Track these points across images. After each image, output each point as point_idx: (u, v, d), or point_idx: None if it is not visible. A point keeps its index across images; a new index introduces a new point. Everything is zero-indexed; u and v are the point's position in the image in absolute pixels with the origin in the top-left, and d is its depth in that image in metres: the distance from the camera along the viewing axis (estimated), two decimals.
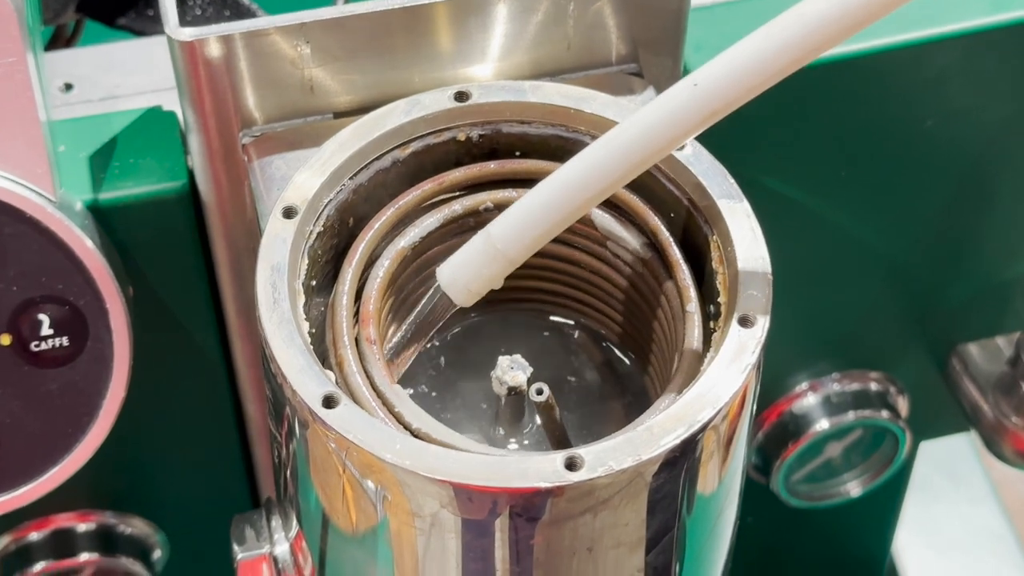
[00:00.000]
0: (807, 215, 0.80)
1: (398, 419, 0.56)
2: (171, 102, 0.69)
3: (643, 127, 0.54)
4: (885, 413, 0.88)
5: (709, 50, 0.71)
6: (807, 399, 0.87)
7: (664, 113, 0.54)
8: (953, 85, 0.75)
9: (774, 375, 0.87)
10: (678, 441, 0.53)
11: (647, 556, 0.58)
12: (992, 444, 0.89)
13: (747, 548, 0.99)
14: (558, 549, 0.55)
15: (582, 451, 0.53)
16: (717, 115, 0.54)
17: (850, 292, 0.85)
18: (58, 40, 0.86)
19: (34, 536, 0.81)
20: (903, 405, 0.90)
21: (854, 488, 0.93)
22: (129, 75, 0.79)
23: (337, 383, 0.57)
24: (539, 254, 0.63)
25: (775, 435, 0.88)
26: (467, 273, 0.58)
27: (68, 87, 0.78)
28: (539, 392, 0.57)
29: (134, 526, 0.83)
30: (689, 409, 0.54)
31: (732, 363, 0.55)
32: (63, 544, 0.81)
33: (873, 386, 0.88)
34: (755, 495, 0.92)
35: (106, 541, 0.82)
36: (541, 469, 0.53)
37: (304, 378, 0.55)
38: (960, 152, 0.79)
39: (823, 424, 0.87)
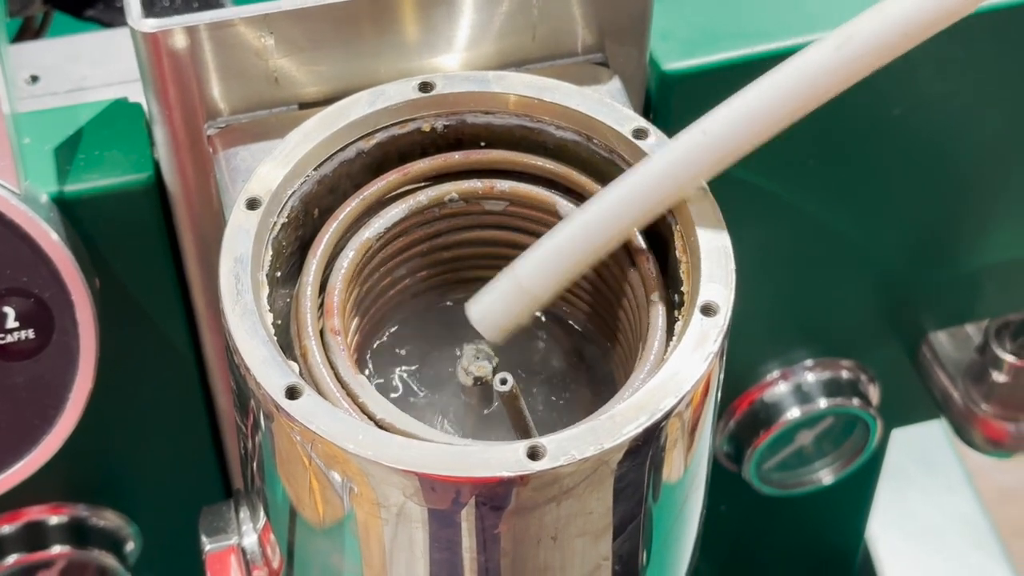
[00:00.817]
0: (777, 203, 0.80)
1: (362, 409, 0.56)
2: (138, 93, 0.69)
3: (658, 173, 0.57)
4: (856, 401, 0.88)
5: (675, 40, 0.71)
6: (778, 387, 0.88)
7: (677, 159, 0.57)
8: (921, 73, 0.75)
9: (745, 363, 0.87)
10: (640, 430, 0.54)
11: (613, 544, 0.58)
12: (962, 431, 0.89)
13: (720, 536, 1.00)
14: (523, 538, 0.55)
15: (544, 440, 0.53)
16: (727, 160, 0.57)
17: (821, 280, 0.85)
18: (26, 32, 0.86)
19: (5, 529, 0.81)
20: (874, 393, 0.90)
21: (826, 476, 0.93)
22: (96, 66, 0.78)
23: (301, 374, 0.57)
24: (503, 244, 0.64)
25: (746, 423, 0.88)
26: (496, 312, 0.59)
27: (34, 79, 0.78)
28: (503, 382, 0.57)
29: (106, 518, 0.83)
30: (651, 397, 0.54)
31: (694, 352, 0.56)
32: (35, 537, 0.81)
33: (844, 374, 0.88)
34: (727, 483, 0.92)
35: (78, 534, 0.82)
36: (504, 458, 0.53)
37: (267, 369, 0.55)
38: (929, 140, 0.79)
39: (794, 412, 0.87)
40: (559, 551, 0.57)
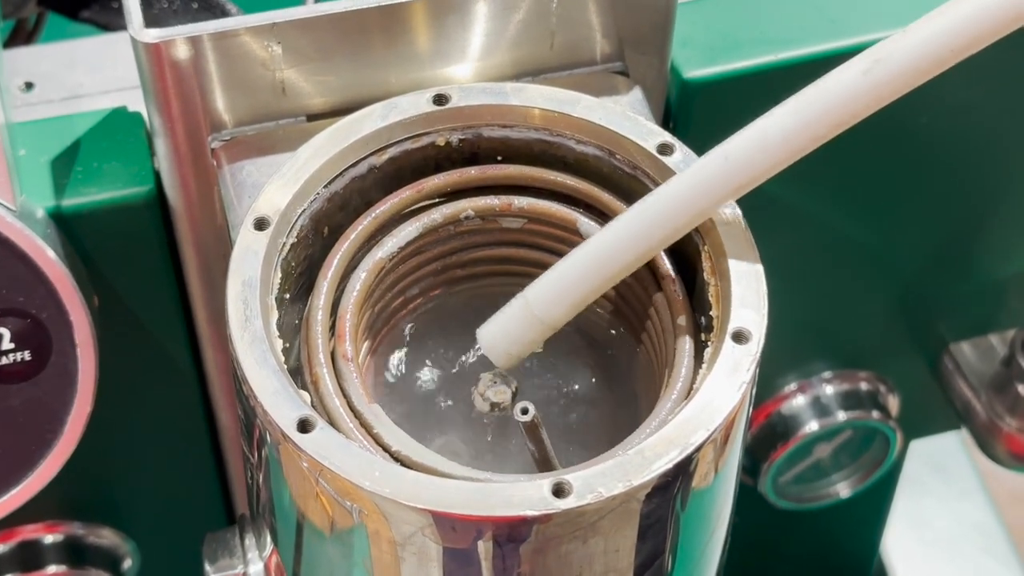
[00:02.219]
0: (795, 213, 0.77)
1: (377, 440, 0.54)
2: (137, 101, 0.66)
3: (677, 199, 0.55)
4: (875, 414, 0.86)
5: (696, 47, 0.69)
6: (796, 400, 0.85)
7: (697, 185, 0.54)
8: (946, 81, 0.72)
9: (763, 376, 0.83)
10: (671, 465, 0.51)
11: None
12: (985, 445, 0.87)
13: (734, 549, 0.98)
14: None
15: (570, 476, 0.51)
16: (748, 186, 0.55)
17: (840, 291, 0.82)
18: (18, 35, 0.83)
19: (1, 548, 0.78)
20: (893, 404, 0.88)
21: (843, 489, 0.91)
22: (93, 73, 0.76)
23: (313, 404, 0.54)
24: (521, 262, 0.61)
25: (763, 437, 0.86)
26: (507, 339, 0.57)
27: (29, 86, 0.75)
28: (524, 411, 0.54)
29: (103, 536, 0.81)
30: (682, 431, 0.52)
31: (726, 381, 0.53)
32: (30, 556, 0.79)
33: (863, 386, 0.86)
34: (743, 496, 0.90)
35: (74, 552, 0.80)
36: (527, 496, 0.50)
37: (278, 401, 0.52)
38: (954, 149, 0.77)
39: (812, 425, 0.85)
40: None
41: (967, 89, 0.74)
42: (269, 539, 0.63)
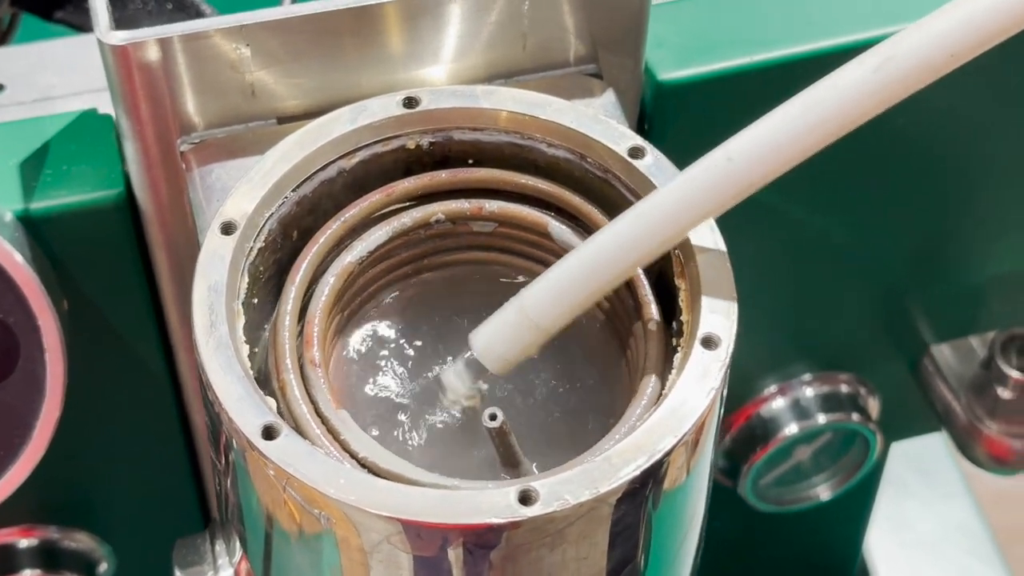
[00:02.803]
0: (774, 214, 0.77)
1: (344, 447, 0.53)
2: (108, 104, 0.65)
3: (676, 201, 0.53)
4: (855, 416, 0.85)
5: (671, 48, 0.68)
6: (776, 402, 0.85)
7: (698, 187, 0.53)
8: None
9: (742, 378, 0.84)
10: (638, 472, 0.51)
11: None
12: (965, 447, 0.87)
13: (714, 552, 0.97)
14: None
15: (536, 484, 0.50)
16: (751, 189, 0.53)
17: (820, 293, 0.82)
18: None
19: None
20: (874, 407, 0.88)
21: (824, 492, 0.90)
22: (65, 74, 0.75)
23: (279, 410, 0.54)
24: (492, 266, 0.61)
25: (743, 439, 0.85)
26: (502, 343, 0.56)
27: None
28: (492, 417, 0.54)
29: (78, 540, 0.80)
30: (649, 437, 0.51)
31: (695, 387, 0.53)
32: (5, 560, 0.79)
33: (843, 388, 0.85)
34: (723, 499, 0.89)
35: (50, 556, 0.79)
36: (494, 503, 0.50)
37: (242, 407, 0.52)
38: (932, 151, 0.76)
39: (792, 428, 0.85)
40: None
41: (946, 91, 0.73)
42: (239, 545, 0.62)
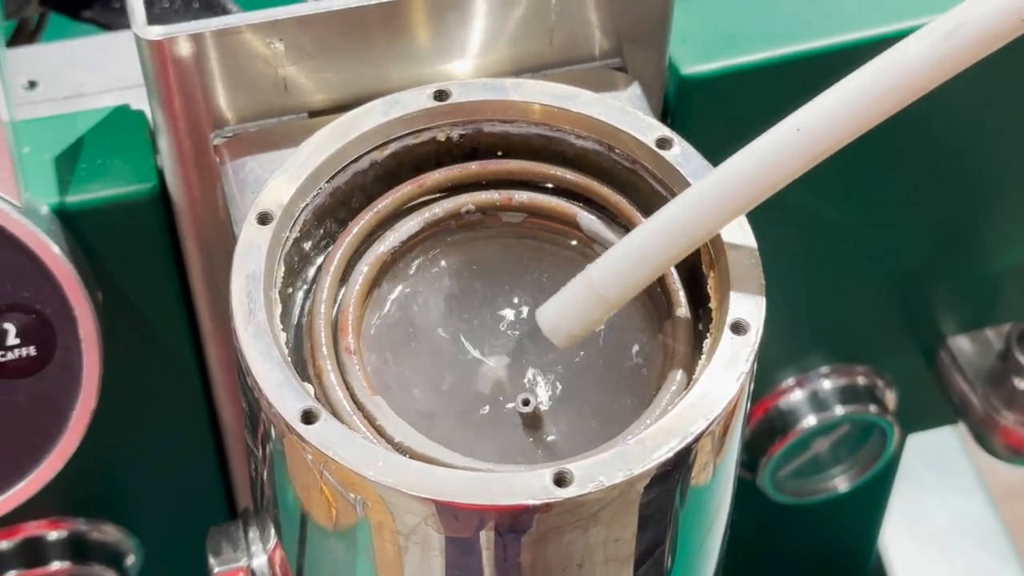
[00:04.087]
0: (792, 206, 0.77)
1: (380, 432, 0.54)
2: (139, 99, 0.67)
3: (745, 173, 0.53)
4: (873, 408, 0.86)
5: (694, 43, 0.69)
6: (794, 395, 0.86)
7: (767, 157, 0.53)
8: None
9: (760, 370, 0.84)
10: (671, 454, 0.52)
11: (639, 570, 0.56)
12: (982, 439, 0.87)
13: (732, 544, 0.98)
14: (547, 566, 0.53)
15: (571, 466, 0.51)
16: (818, 158, 0.53)
17: (837, 285, 0.83)
18: (20, 35, 0.84)
19: (3, 545, 0.79)
20: (891, 399, 0.88)
21: (842, 483, 0.91)
22: (95, 71, 0.76)
23: (316, 396, 0.55)
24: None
25: (762, 431, 0.86)
26: (570, 319, 0.56)
27: (32, 84, 0.76)
28: (525, 403, 0.55)
29: (106, 533, 0.81)
30: (681, 421, 0.52)
31: (725, 372, 0.54)
32: (34, 552, 0.79)
33: (860, 380, 0.86)
34: (741, 491, 0.90)
35: (78, 548, 0.80)
36: (529, 485, 0.51)
37: (282, 392, 0.53)
38: (948, 140, 0.77)
39: (810, 420, 0.86)
40: None
41: (963, 78, 0.74)
42: (273, 532, 0.63)
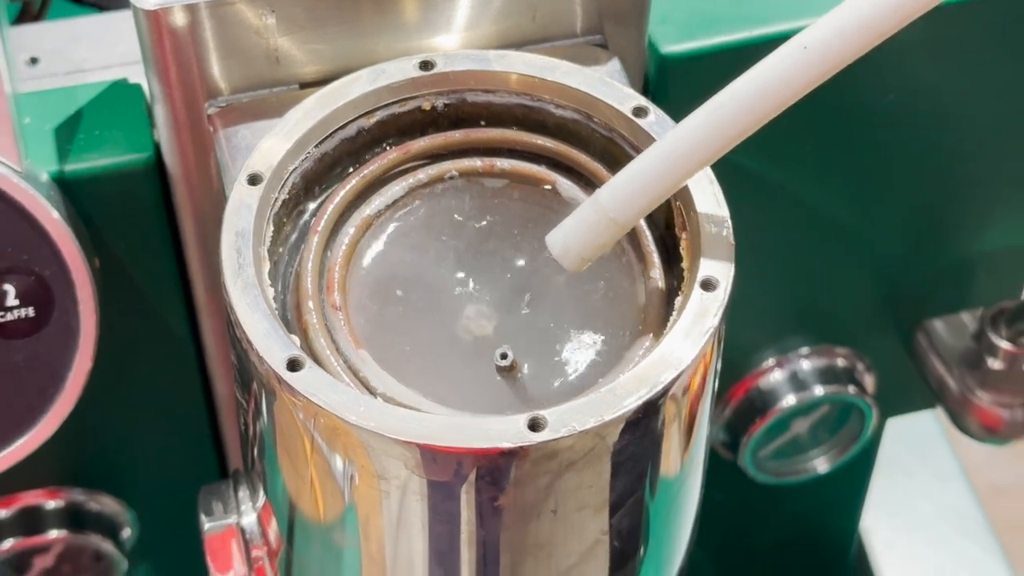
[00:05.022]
0: (772, 189, 0.80)
1: (364, 384, 0.56)
2: (137, 75, 0.69)
3: (751, 92, 0.54)
4: (851, 388, 0.88)
5: (673, 23, 0.72)
6: (774, 375, 0.88)
7: (773, 77, 0.54)
8: (912, 59, 0.75)
9: (741, 351, 0.87)
10: (640, 402, 0.54)
11: (612, 519, 0.58)
12: (958, 419, 0.89)
13: (716, 525, 1.00)
14: (522, 510, 0.56)
15: (545, 412, 0.53)
16: (825, 76, 0.53)
17: (816, 267, 0.85)
18: (25, 16, 0.86)
19: (2, 513, 0.81)
20: (870, 382, 0.90)
21: (821, 464, 0.93)
22: (95, 49, 0.78)
23: (302, 349, 0.57)
24: None
25: (742, 411, 0.88)
26: (580, 242, 0.58)
27: (34, 61, 0.78)
28: (503, 356, 0.57)
29: (103, 504, 0.83)
30: (651, 371, 0.55)
31: (694, 326, 0.56)
32: (31, 521, 0.81)
33: (840, 362, 0.88)
34: (724, 471, 0.92)
35: (75, 518, 0.82)
36: (504, 430, 0.53)
37: (269, 342, 0.55)
38: (923, 126, 0.79)
39: (790, 399, 0.88)
40: (559, 525, 0.57)
41: (936, 67, 0.76)
42: (262, 491, 0.65)
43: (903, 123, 0.79)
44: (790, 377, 0.88)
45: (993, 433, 0.89)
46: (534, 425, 0.53)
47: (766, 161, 0.79)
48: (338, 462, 0.56)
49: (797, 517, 1.03)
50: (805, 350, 0.88)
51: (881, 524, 1.15)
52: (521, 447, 0.53)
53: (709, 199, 0.59)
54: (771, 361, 0.88)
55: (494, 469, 0.54)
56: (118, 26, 0.79)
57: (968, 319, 0.88)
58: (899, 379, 0.92)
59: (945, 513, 1.17)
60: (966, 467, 1.24)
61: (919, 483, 1.19)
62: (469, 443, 0.53)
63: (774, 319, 0.87)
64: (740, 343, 0.86)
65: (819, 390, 0.88)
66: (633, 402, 0.54)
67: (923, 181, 0.82)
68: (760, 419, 0.88)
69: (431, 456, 0.53)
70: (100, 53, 0.78)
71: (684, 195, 0.59)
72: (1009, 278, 0.88)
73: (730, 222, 0.59)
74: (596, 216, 0.57)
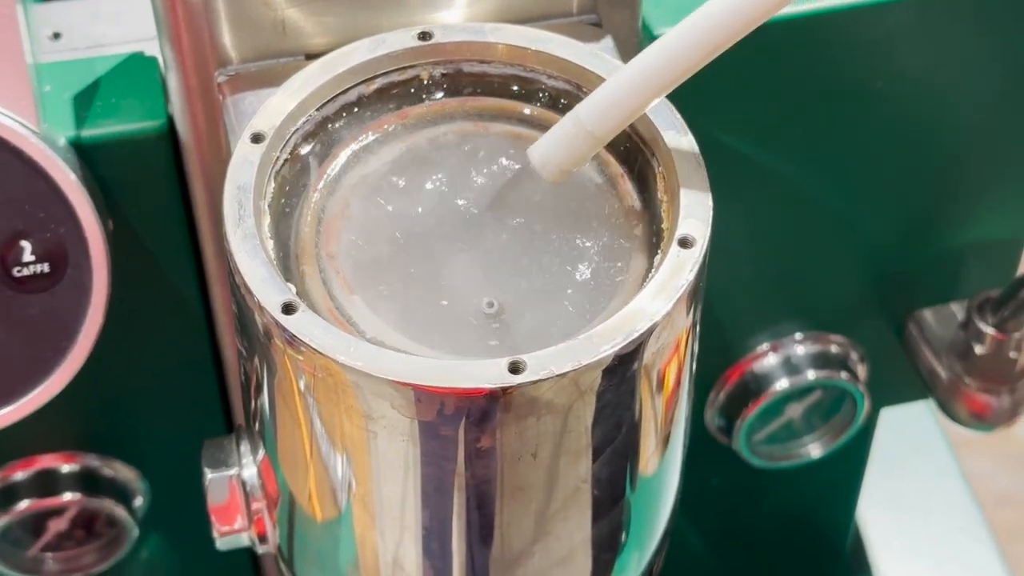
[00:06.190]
0: (765, 175, 0.82)
1: (355, 327, 0.59)
2: (153, 50, 0.72)
3: (724, 8, 0.57)
4: (844, 375, 0.90)
5: (667, 7, 0.75)
6: (768, 359, 0.90)
7: None
8: (902, 47, 0.78)
9: (735, 335, 0.90)
10: (615, 349, 0.56)
11: (592, 466, 0.61)
12: (947, 407, 0.92)
13: (712, 510, 1.02)
14: (503, 452, 0.58)
15: (525, 357, 0.56)
16: None
17: (809, 253, 0.87)
18: None
19: (19, 475, 0.84)
20: (862, 372, 0.93)
21: (815, 450, 0.95)
22: (115, 25, 0.82)
23: (299, 295, 0.60)
24: None
25: (736, 394, 0.90)
26: (559, 154, 0.61)
27: (56, 36, 0.82)
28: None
29: (117, 470, 0.86)
30: (627, 322, 0.57)
31: (671, 280, 0.58)
32: (47, 483, 0.84)
33: (833, 348, 0.91)
34: (719, 456, 0.95)
35: (90, 482, 0.85)
36: (486, 371, 0.56)
37: (265, 287, 0.58)
38: (912, 115, 0.81)
39: (783, 383, 0.90)
40: (540, 469, 0.60)
41: (922, 55, 0.79)
42: (262, 445, 0.68)
43: (892, 111, 0.81)
44: (783, 362, 0.90)
45: (981, 419, 0.91)
46: (514, 368, 0.56)
47: (758, 148, 0.81)
48: (327, 404, 0.59)
49: (792, 504, 1.05)
50: (799, 336, 0.90)
51: (879, 518, 1.17)
52: (501, 388, 0.56)
53: (691, 166, 0.62)
54: (765, 346, 0.90)
55: (475, 410, 0.57)
56: (137, 4, 0.82)
57: (957, 309, 0.90)
58: (892, 369, 0.94)
59: (944, 513, 1.19)
60: (970, 476, 1.25)
61: (914, 475, 1.21)
62: (452, 383, 0.56)
63: (767, 303, 0.89)
64: (734, 327, 0.89)
65: (812, 374, 0.90)
66: (609, 349, 0.56)
67: (912, 169, 0.85)
68: (754, 402, 0.90)
69: (415, 396, 0.56)
70: (119, 29, 0.82)
71: (666, 160, 0.62)
72: (999, 269, 0.90)
73: (708, 183, 0.61)
74: (575, 129, 0.60)
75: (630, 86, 0.59)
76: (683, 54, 0.59)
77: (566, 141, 0.61)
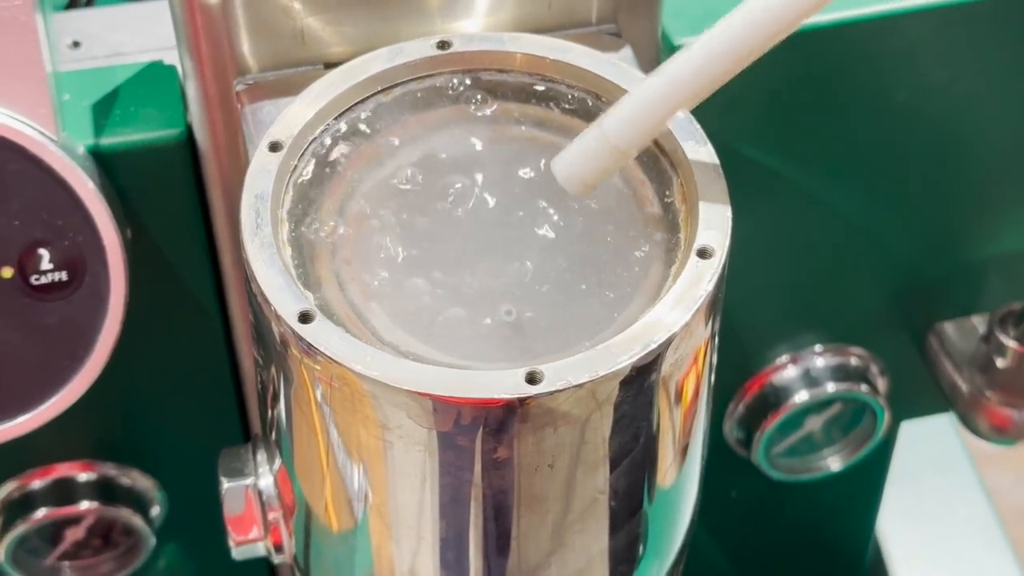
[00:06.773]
0: (787, 187, 0.82)
1: (373, 335, 0.59)
2: (173, 59, 0.72)
3: (747, 20, 0.57)
4: (864, 387, 0.90)
5: (687, 18, 0.74)
6: (788, 371, 0.90)
7: (772, 6, 0.56)
8: (923, 59, 0.78)
9: (755, 346, 0.89)
10: (633, 359, 0.56)
11: (610, 477, 0.61)
12: (968, 420, 0.91)
13: (731, 523, 1.02)
14: (520, 463, 0.58)
15: (543, 367, 0.56)
16: (821, 5, 0.55)
17: (830, 265, 0.87)
18: (75, 3, 0.90)
19: (36, 484, 0.84)
20: (883, 384, 0.92)
21: (834, 463, 0.95)
22: (135, 35, 0.82)
23: (317, 304, 0.60)
24: None
25: (756, 406, 0.90)
26: (583, 168, 0.60)
27: (76, 44, 0.82)
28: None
29: (134, 479, 0.86)
30: (646, 331, 0.57)
31: (689, 291, 0.58)
32: (65, 492, 0.84)
33: (853, 361, 0.90)
34: (738, 469, 0.95)
35: (107, 491, 0.85)
36: (503, 381, 0.56)
37: (282, 296, 0.58)
38: (935, 127, 0.81)
39: (803, 396, 0.89)
40: (557, 480, 0.59)
41: (946, 67, 0.79)
42: (278, 454, 0.68)
43: (915, 123, 0.81)
44: (803, 374, 0.90)
45: (1002, 433, 0.90)
46: (532, 379, 0.56)
47: (781, 158, 0.81)
48: (344, 413, 0.59)
49: (812, 518, 1.04)
50: (819, 348, 0.90)
51: (899, 532, 1.16)
52: (518, 398, 0.55)
53: (711, 176, 0.61)
54: (785, 358, 0.90)
55: (492, 420, 0.56)
56: (156, 13, 0.83)
57: (979, 322, 0.90)
58: (913, 383, 0.94)
59: (965, 527, 1.18)
60: (991, 490, 1.25)
61: (935, 489, 1.21)
62: (468, 393, 0.55)
63: (788, 315, 0.89)
64: (754, 338, 0.89)
65: (831, 387, 0.90)
66: (626, 359, 0.56)
67: (935, 181, 0.84)
68: (773, 414, 0.90)
69: (431, 405, 0.56)
70: (139, 38, 0.82)
71: (685, 170, 0.62)
72: (1021, 282, 0.90)
73: (727, 195, 0.61)
74: (599, 143, 0.60)
75: (656, 99, 0.59)
76: (710, 66, 0.58)
77: (591, 155, 0.60)
